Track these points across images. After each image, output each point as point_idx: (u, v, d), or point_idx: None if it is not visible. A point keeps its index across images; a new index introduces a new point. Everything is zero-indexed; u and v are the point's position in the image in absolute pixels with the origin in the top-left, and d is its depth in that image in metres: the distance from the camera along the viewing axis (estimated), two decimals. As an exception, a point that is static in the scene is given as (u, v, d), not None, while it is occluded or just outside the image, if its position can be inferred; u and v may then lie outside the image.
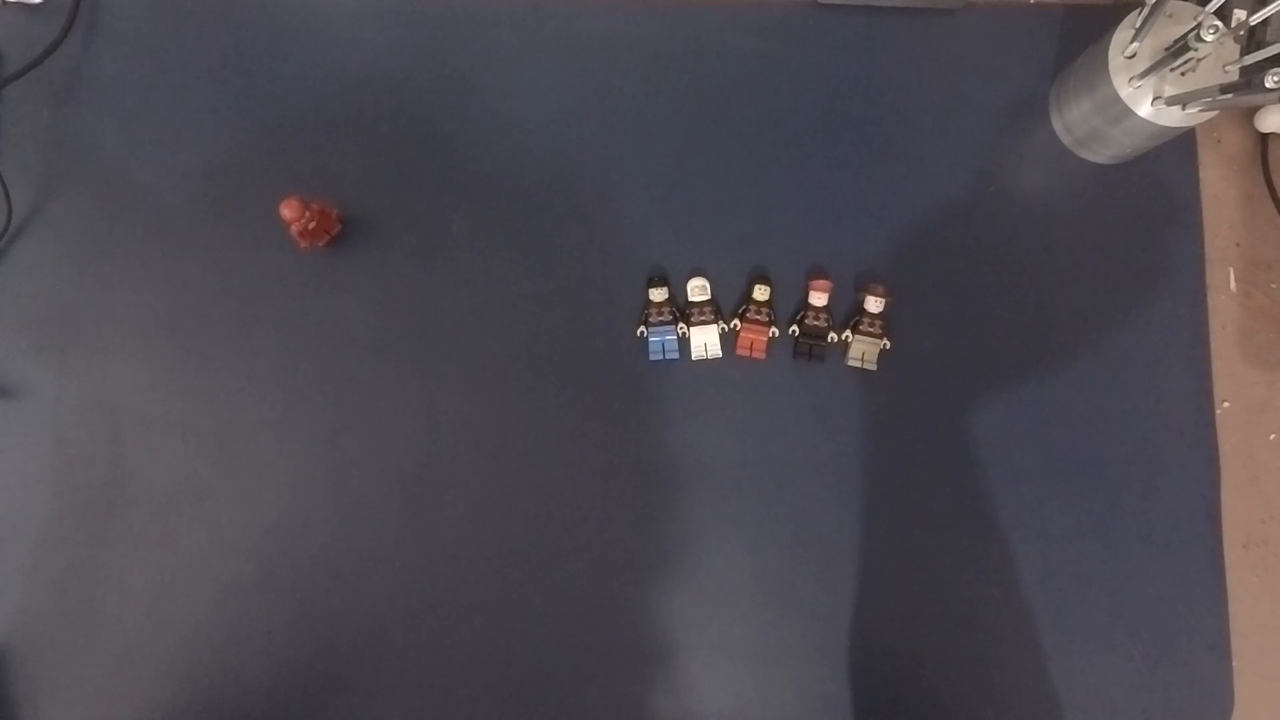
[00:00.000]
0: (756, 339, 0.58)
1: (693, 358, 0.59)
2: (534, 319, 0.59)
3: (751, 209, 0.61)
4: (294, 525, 0.58)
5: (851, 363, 0.59)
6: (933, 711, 0.57)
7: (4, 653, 0.57)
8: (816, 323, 0.59)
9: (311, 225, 0.55)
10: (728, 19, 0.62)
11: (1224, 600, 0.58)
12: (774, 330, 0.59)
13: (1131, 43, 0.53)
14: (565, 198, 0.61)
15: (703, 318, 0.59)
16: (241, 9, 0.62)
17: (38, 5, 0.61)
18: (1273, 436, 0.60)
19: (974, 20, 0.62)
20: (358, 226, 0.60)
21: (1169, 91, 0.53)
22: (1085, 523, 0.58)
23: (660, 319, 0.58)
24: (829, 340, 0.59)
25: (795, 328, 0.59)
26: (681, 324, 0.59)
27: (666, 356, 0.58)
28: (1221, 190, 0.62)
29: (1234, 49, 0.53)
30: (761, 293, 0.58)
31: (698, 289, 0.59)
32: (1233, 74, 0.52)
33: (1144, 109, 0.54)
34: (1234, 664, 0.58)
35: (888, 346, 0.59)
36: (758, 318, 0.58)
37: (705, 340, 0.59)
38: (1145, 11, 0.51)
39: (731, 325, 0.59)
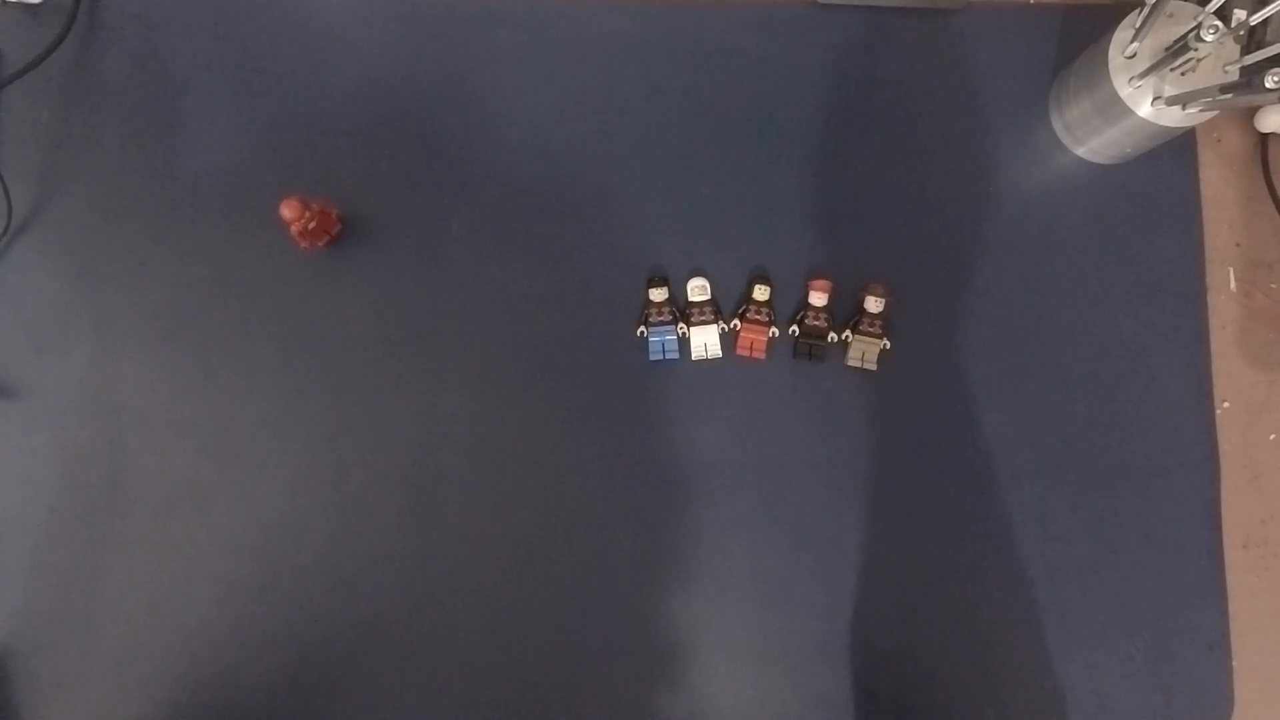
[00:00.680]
0: (756, 339, 0.58)
1: (693, 358, 0.59)
2: (534, 319, 0.59)
3: (751, 209, 0.61)
4: (294, 525, 0.58)
5: (851, 363, 0.59)
6: (933, 711, 0.57)
7: (4, 653, 0.57)
8: (816, 323, 0.59)
9: (311, 225, 0.55)
10: (728, 19, 0.62)
11: (1224, 600, 0.58)
12: (774, 330, 0.59)
13: (1131, 43, 0.53)
14: (565, 198, 0.61)
15: (703, 318, 0.59)
16: (241, 9, 0.62)
17: (38, 5, 0.61)
18: (1273, 436, 0.60)
19: (974, 20, 0.62)
20: (358, 226, 0.60)
21: (1169, 91, 0.53)
22: (1085, 523, 0.58)
23: (660, 319, 0.58)
24: (829, 340, 0.59)
25: (795, 328, 0.59)
26: (681, 324, 0.59)
27: (666, 356, 0.58)
28: (1221, 190, 0.62)
29: (1234, 49, 0.53)
30: (761, 293, 0.58)
31: (698, 289, 0.59)
32: (1233, 74, 0.52)
33: (1144, 109, 0.54)
34: (1234, 664, 0.58)
35: (888, 346, 0.59)
36: (758, 318, 0.58)
37: (705, 340, 0.59)
38: (1145, 11, 0.51)
39: (731, 325, 0.59)
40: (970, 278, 0.60)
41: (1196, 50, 0.50)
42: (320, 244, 0.58)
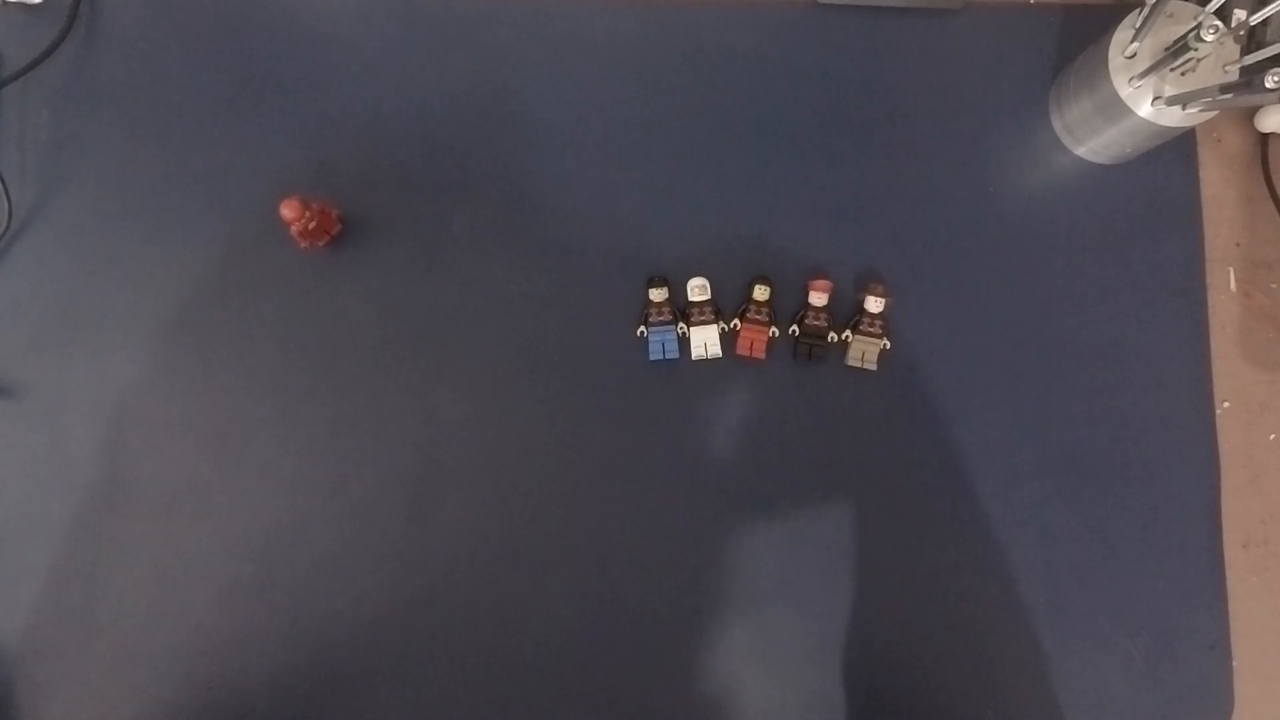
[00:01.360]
0: (756, 339, 0.58)
1: (693, 357, 0.59)
2: (534, 319, 0.60)
3: (751, 209, 0.61)
4: (294, 525, 0.58)
5: (851, 363, 0.59)
6: (933, 712, 0.57)
7: (4, 653, 0.57)
8: (816, 323, 0.59)
9: (311, 225, 0.55)
10: (728, 19, 0.62)
11: (1224, 600, 0.58)
12: (774, 330, 0.59)
13: (1131, 43, 0.53)
14: (565, 198, 0.61)
15: (703, 317, 0.59)
16: (241, 9, 0.62)
17: (38, 5, 0.61)
18: (1273, 436, 0.60)
19: (974, 20, 0.62)
20: (358, 226, 0.60)
21: (1169, 91, 0.53)
22: (1085, 523, 0.58)
23: (660, 319, 0.58)
24: (829, 340, 0.59)
25: (795, 328, 0.59)
26: (681, 324, 0.59)
27: (666, 356, 0.58)
28: (1221, 190, 0.62)
29: (1234, 49, 0.53)
30: (761, 293, 0.58)
31: (698, 289, 0.59)
32: (1233, 74, 0.52)
33: (1144, 109, 0.54)
34: (1234, 664, 0.58)
35: (888, 346, 0.59)
36: (758, 318, 0.58)
37: (705, 340, 0.59)
38: (1145, 11, 0.51)
39: (731, 325, 0.59)
40: (970, 278, 0.60)
41: (1196, 50, 0.50)
42: (320, 244, 0.58)
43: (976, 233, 0.61)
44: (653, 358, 0.59)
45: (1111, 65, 0.54)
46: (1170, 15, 0.52)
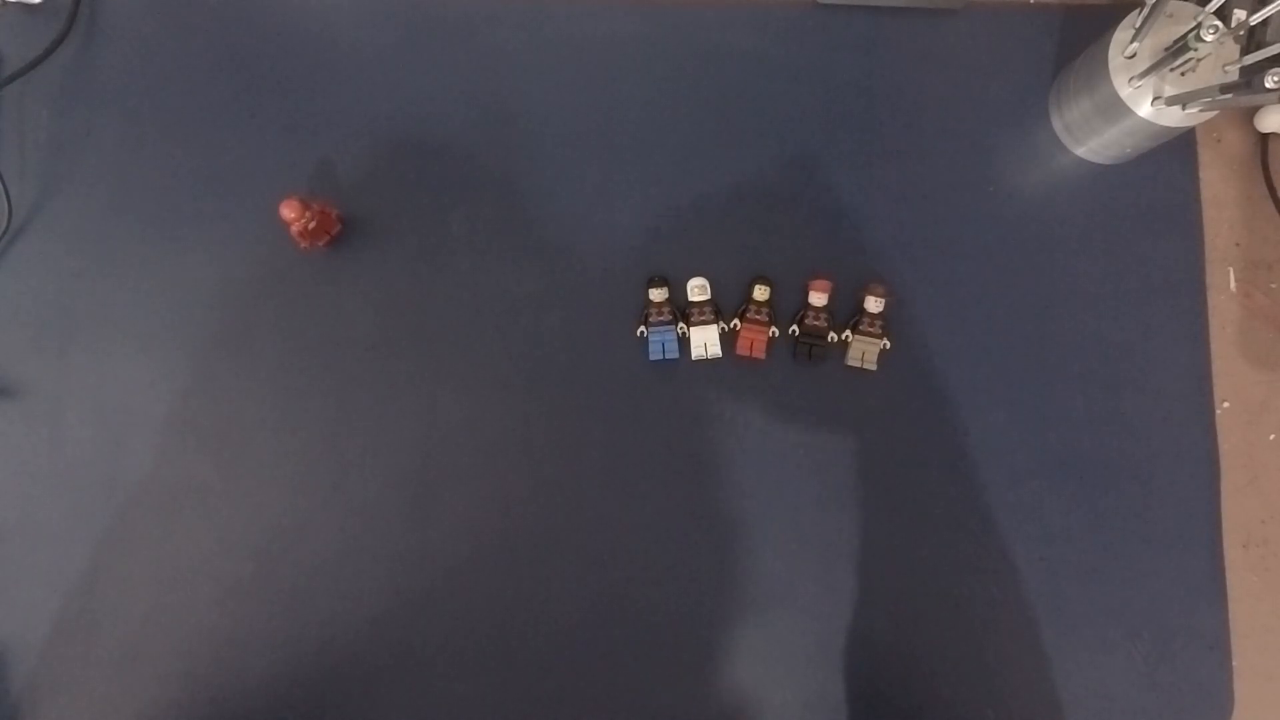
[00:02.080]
0: (756, 339, 0.58)
1: (693, 357, 0.59)
2: (534, 319, 0.60)
3: (751, 209, 0.61)
4: (294, 525, 0.58)
5: (851, 363, 0.59)
6: (933, 712, 0.57)
7: (4, 653, 0.57)
8: (816, 323, 0.59)
9: (311, 225, 0.55)
10: (728, 19, 0.62)
11: (1224, 600, 0.58)
12: (774, 330, 0.59)
13: (1131, 43, 0.53)
14: (565, 198, 0.61)
15: (703, 317, 0.59)
16: (241, 9, 0.62)
17: (38, 5, 0.61)
18: (1273, 436, 0.60)
19: (974, 20, 0.62)
20: (358, 226, 0.60)
21: (1169, 91, 0.53)
22: (1085, 523, 0.58)
23: (660, 319, 0.58)
24: (829, 340, 0.59)
25: (795, 328, 0.59)
26: (681, 324, 0.59)
27: (666, 356, 0.58)
28: (1221, 190, 0.62)
29: (1234, 49, 0.53)
30: (761, 292, 0.58)
31: (698, 289, 0.59)
32: (1233, 74, 0.52)
33: (1144, 109, 0.54)
34: (1234, 664, 0.58)
35: (888, 346, 0.59)
36: (758, 318, 0.58)
37: (705, 340, 0.59)
38: (1145, 11, 0.51)
39: (731, 325, 0.59)
40: (970, 277, 0.60)
41: (1196, 50, 0.50)
42: (320, 244, 0.58)
43: (976, 233, 0.61)
44: (653, 358, 0.59)
45: (1111, 65, 0.54)
46: (1170, 15, 0.52)
